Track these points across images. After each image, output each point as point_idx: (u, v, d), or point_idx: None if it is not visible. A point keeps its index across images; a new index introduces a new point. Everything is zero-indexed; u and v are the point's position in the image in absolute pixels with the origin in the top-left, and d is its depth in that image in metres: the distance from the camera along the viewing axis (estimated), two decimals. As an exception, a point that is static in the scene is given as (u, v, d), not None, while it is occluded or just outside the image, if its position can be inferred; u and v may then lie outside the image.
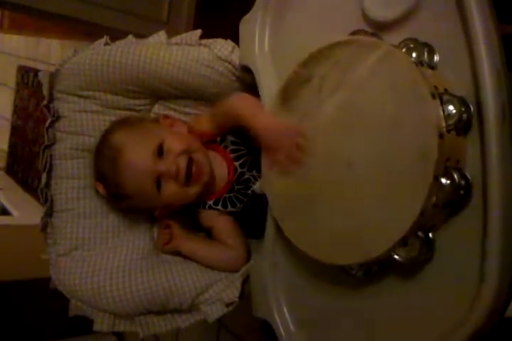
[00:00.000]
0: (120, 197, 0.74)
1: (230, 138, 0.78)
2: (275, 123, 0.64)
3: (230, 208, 0.77)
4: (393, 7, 0.53)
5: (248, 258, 0.74)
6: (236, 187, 0.77)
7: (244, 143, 0.77)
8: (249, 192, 0.76)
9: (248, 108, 0.69)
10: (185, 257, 0.76)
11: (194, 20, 1.53)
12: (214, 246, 0.76)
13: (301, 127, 0.60)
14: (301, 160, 0.59)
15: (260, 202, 0.73)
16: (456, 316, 0.47)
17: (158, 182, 0.70)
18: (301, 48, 0.59)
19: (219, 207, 0.77)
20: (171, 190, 0.71)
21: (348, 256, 0.54)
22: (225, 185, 0.77)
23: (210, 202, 0.77)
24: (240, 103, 0.72)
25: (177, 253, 0.77)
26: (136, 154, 0.70)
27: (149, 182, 0.70)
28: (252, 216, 0.75)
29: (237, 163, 0.77)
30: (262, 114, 0.67)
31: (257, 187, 0.74)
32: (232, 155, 0.77)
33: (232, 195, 0.77)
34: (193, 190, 0.72)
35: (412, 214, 0.46)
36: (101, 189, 0.74)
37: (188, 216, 0.81)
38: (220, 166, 0.77)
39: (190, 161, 0.71)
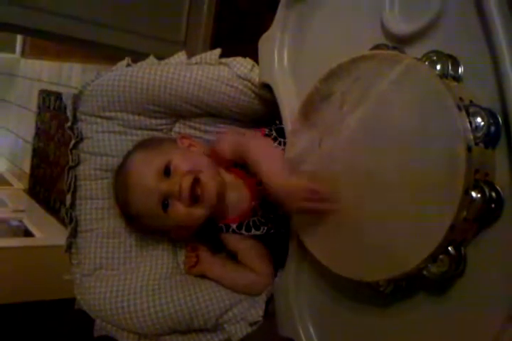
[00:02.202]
0: (132, 218, 0.75)
1: None
2: (286, 185, 0.61)
3: (253, 232, 0.75)
4: (414, 20, 0.53)
5: (273, 281, 0.73)
6: (259, 212, 0.75)
7: None
8: (273, 216, 0.74)
9: (263, 161, 0.67)
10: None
11: (211, 40, 1.55)
12: (239, 271, 0.75)
13: (315, 186, 0.57)
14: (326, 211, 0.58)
15: (285, 225, 0.72)
16: (487, 335, 0.46)
17: (165, 202, 0.70)
18: (321, 64, 0.59)
19: (242, 231, 0.76)
20: (176, 210, 0.70)
21: (375, 272, 0.53)
22: (248, 209, 0.75)
23: (234, 226, 0.76)
24: (257, 152, 0.69)
25: (202, 276, 0.76)
26: (142, 174, 0.71)
27: (155, 202, 0.70)
28: (276, 239, 0.74)
29: (259, 187, 0.74)
30: (276, 170, 0.64)
31: (281, 210, 0.73)
32: (254, 179, 0.75)
33: (255, 218, 0.75)
34: (198, 212, 0.70)
35: (442, 229, 0.45)
36: (118, 210, 0.76)
37: (211, 237, 0.80)
38: (239, 190, 0.75)
39: (196, 182, 0.70)
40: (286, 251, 0.69)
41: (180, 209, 0.70)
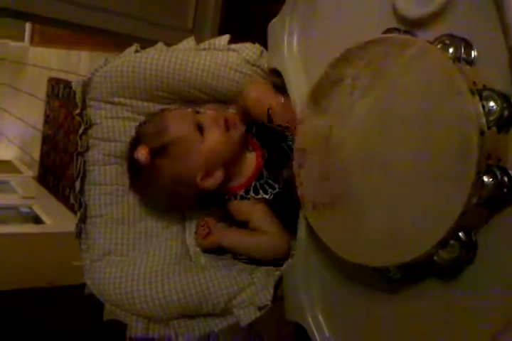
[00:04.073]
0: (163, 151, 0.71)
1: (256, 125, 0.79)
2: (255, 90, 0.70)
3: (262, 194, 0.76)
4: (426, 3, 0.52)
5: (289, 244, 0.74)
6: (265, 172, 0.77)
7: (270, 131, 0.78)
8: (280, 177, 0.76)
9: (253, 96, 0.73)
10: (222, 254, 0.77)
11: (219, 27, 1.54)
12: (254, 234, 0.76)
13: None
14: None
15: (292, 190, 0.72)
16: (496, 322, 0.46)
17: (200, 128, 0.73)
18: (332, 49, 0.58)
19: (251, 194, 0.77)
20: (214, 134, 0.72)
21: (385, 257, 0.53)
22: (255, 171, 0.77)
23: (241, 192, 0.77)
24: (248, 93, 0.74)
25: (217, 247, 0.77)
26: (179, 113, 0.76)
27: (192, 126, 0.72)
28: (285, 204, 0.74)
29: (264, 149, 0.78)
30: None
31: (287, 171, 0.74)
32: (258, 142, 0.78)
33: (262, 181, 0.77)
34: (235, 134, 0.74)
35: (453, 214, 0.45)
36: (143, 150, 0.71)
37: (217, 211, 0.81)
38: (248, 154, 0.78)
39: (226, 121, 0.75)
40: (296, 215, 0.69)
41: (218, 133, 0.73)
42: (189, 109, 0.77)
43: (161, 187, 0.74)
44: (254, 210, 0.76)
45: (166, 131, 0.72)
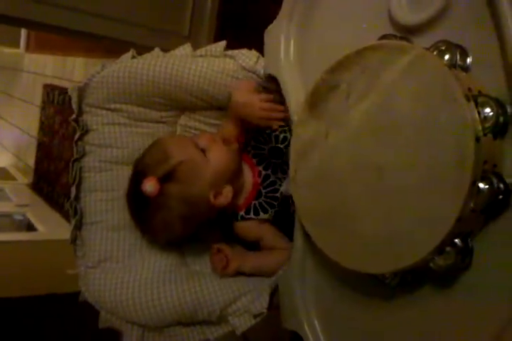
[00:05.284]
0: (171, 176, 0.70)
1: (251, 143, 0.80)
2: (245, 99, 0.72)
3: (262, 215, 0.77)
4: (422, 10, 0.52)
5: None
6: (263, 191, 0.77)
7: (265, 147, 0.79)
8: (278, 195, 0.76)
9: (234, 91, 0.75)
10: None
11: (215, 33, 1.55)
12: (273, 253, 0.76)
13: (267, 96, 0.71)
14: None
15: (290, 206, 0.72)
16: (493, 328, 0.46)
17: (202, 150, 0.74)
18: (329, 55, 0.58)
19: (251, 215, 0.77)
20: (216, 151, 0.73)
21: (381, 264, 0.53)
22: (252, 191, 0.77)
23: (242, 213, 0.77)
24: (236, 102, 0.76)
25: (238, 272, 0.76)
26: (175, 139, 0.78)
27: (193, 147, 0.73)
28: (285, 222, 0.74)
29: (260, 167, 0.78)
30: (240, 92, 0.74)
31: (284, 188, 0.74)
32: (254, 160, 0.79)
33: (261, 200, 0.77)
34: (233, 147, 0.76)
35: (449, 220, 0.45)
36: (150, 181, 0.69)
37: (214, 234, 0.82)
38: (245, 172, 0.78)
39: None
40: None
41: (219, 149, 0.74)
42: (184, 135, 0.79)
43: (176, 214, 0.72)
44: (262, 230, 0.77)
45: (170, 157, 0.71)
